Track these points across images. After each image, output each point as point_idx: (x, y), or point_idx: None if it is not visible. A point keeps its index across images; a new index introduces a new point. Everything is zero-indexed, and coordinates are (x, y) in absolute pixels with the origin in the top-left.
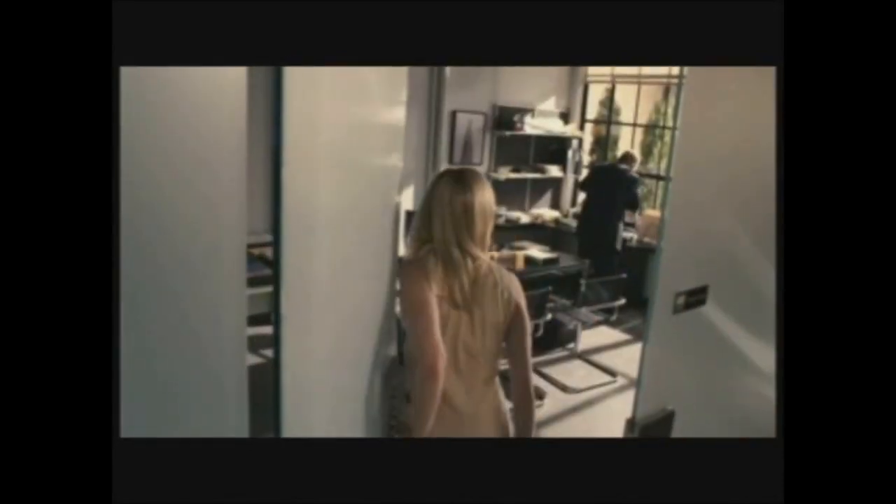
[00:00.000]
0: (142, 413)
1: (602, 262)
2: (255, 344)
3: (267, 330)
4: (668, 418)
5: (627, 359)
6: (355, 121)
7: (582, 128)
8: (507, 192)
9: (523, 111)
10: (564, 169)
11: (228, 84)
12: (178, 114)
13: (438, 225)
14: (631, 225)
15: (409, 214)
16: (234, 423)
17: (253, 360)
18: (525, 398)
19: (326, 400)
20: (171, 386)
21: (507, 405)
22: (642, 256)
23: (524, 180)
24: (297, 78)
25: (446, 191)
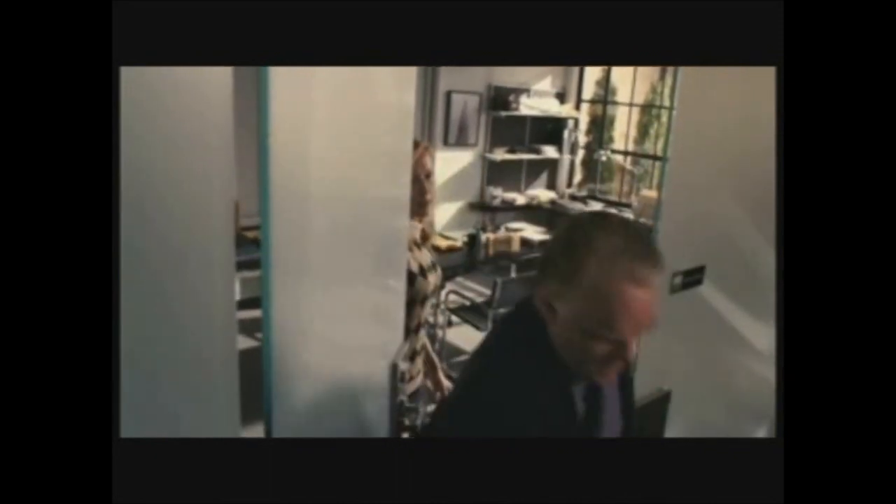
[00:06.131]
0: (132, 406)
1: None
2: (250, 327)
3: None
4: (664, 398)
5: None
6: (353, 100)
7: (578, 108)
8: (503, 174)
9: (519, 91)
10: (560, 150)
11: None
12: (167, 96)
13: None
14: (627, 206)
15: None
16: (224, 410)
17: (249, 343)
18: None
19: (323, 386)
20: (159, 377)
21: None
22: None
23: (520, 161)
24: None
25: None
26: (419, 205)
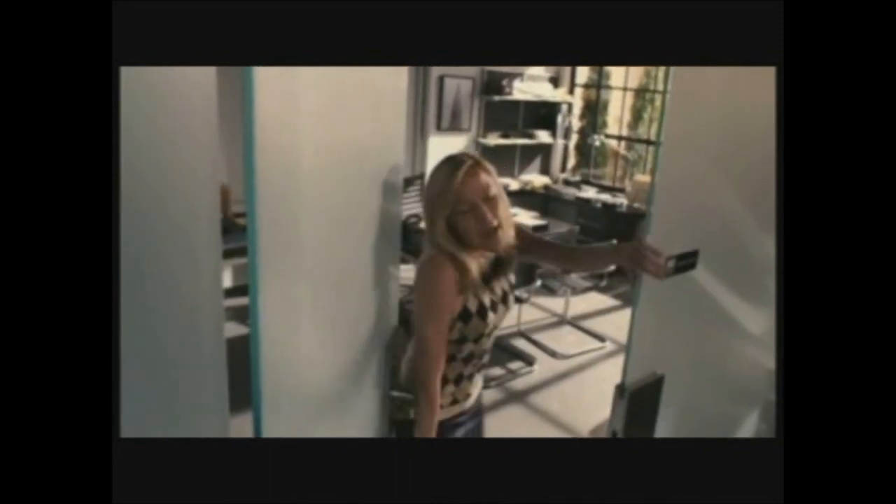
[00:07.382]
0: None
1: None
2: (243, 315)
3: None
4: (657, 383)
5: (617, 324)
6: (344, 84)
7: (572, 92)
8: (496, 159)
9: (512, 76)
10: (554, 134)
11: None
12: (156, 92)
13: None
14: (621, 190)
15: (407, 181)
16: (212, 399)
17: (242, 330)
18: None
19: (312, 375)
20: (148, 369)
21: None
22: (632, 222)
23: (513, 146)
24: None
25: None
26: (484, 235)
